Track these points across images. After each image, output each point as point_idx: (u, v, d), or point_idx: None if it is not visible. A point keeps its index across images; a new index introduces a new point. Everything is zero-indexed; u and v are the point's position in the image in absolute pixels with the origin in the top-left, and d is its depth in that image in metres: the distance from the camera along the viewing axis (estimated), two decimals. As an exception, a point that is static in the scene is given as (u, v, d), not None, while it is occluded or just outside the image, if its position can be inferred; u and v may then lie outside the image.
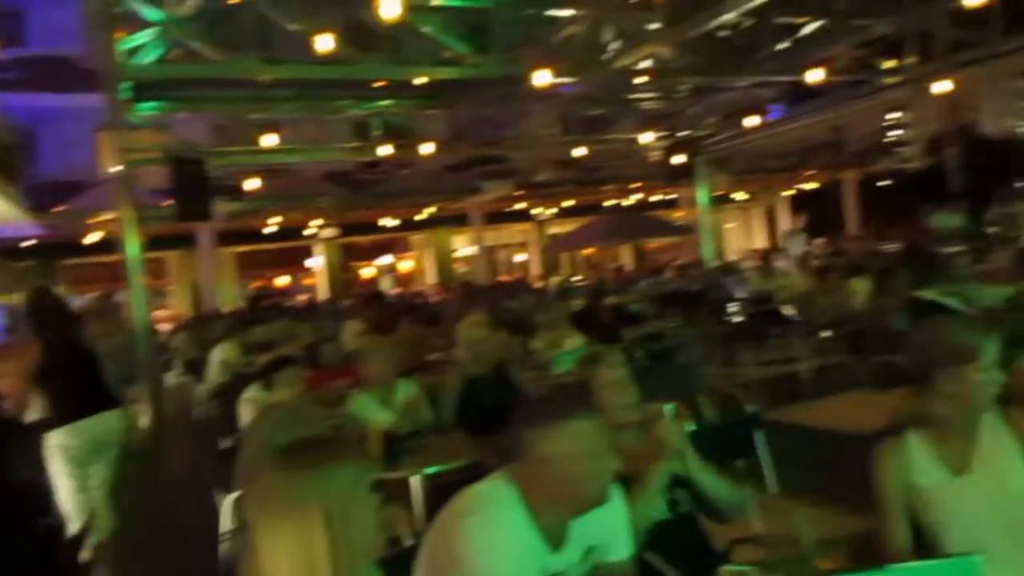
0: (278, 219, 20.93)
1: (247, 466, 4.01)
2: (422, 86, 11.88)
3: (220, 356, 9.05)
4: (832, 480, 4.98)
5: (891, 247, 12.55)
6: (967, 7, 8.32)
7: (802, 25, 10.53)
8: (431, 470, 3.80)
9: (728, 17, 8.17)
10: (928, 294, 5.72)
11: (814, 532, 2.46)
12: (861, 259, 12.07)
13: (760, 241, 27.57)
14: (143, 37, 8.63)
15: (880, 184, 32.63)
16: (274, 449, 1.76)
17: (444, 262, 26.15)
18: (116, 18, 8.24)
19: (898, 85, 10.92)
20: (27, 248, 18.04)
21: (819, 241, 21.28)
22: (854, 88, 11.62)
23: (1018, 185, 17.17)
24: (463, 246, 26.49)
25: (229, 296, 21.34)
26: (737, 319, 9.58)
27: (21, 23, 18.21)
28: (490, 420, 4.50)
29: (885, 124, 26.76)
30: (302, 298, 23.27)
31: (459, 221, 23.44)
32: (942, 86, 10.53)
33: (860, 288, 8.03)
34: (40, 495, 3.27)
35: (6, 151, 13.10)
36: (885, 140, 27.48)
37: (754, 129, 13.19)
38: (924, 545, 2.23)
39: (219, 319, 14.14)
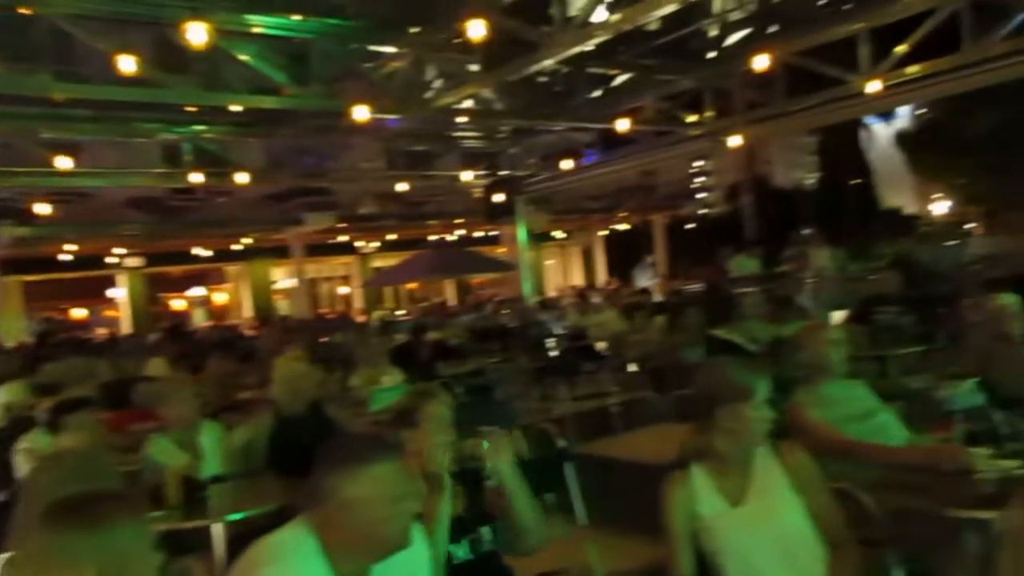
0: (74, 247, 19.34)
1: (24, 523, 3.65)
2: (239, 113, 11.50)
3: (2, 398, 8.20)
4: (637, 511, 5.24)
5: (692, 286, 13.44)
6: (756, 71, 9.17)
7: (614, 76, 11.19)
8: (234, 517, 3.61)
9: (545, 64, 8.53)
10: (722, 332, 6.17)
11: (609, 563, 2.56)
12: (666, 297, 12.88)
13: (577, 278, 28.67)
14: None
15: (687, 227, 35.02)
16: (46, 505, 1.61)
17: (262, 295, 25.19)
18: None
19: (699, 137, 11.82)
20: None
21: (660, 275, 22.25)
22: (662, 137, 12.45)
23: (804, 231, 18.93)
24: (283, 278, 25.65)
25: (13, 330, 19.36)
26: (553, 354, 9.88)
27: None
28: (303, 462, 4.35)
29: (691, 172, 28.87)
30: (102, 332, 21.55)
31: (279, 252, 22.71)
32: (735, 140, 11.53)
33: (664, 325, 8.53)
34: None
35: None
36: (691, 186, 29.59)
37: (571, 171, 13.78)
38: (709, 573, 2.38)
39: (2, 355, 12.81)
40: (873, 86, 9.30)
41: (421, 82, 9.65)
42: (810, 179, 44.38)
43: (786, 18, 9.67)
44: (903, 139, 37.35)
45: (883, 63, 9.32)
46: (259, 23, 8.10)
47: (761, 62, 8.86)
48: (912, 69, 9.31)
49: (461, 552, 2.54)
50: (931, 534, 2.75)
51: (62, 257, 19.61)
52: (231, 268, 25.42)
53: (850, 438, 3.20)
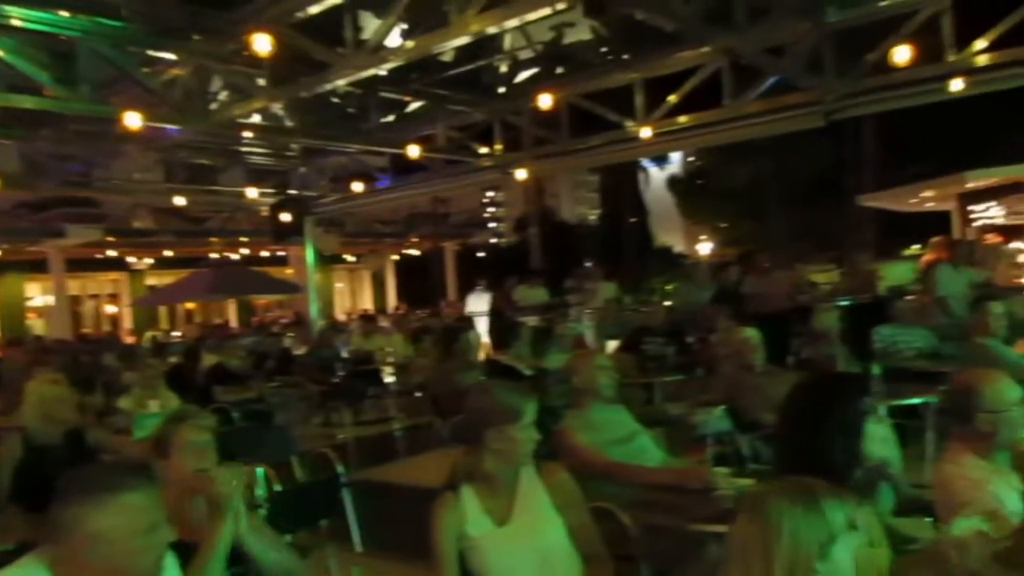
0: None
1: None
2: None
3: None
4: (414, 536, 5.25)
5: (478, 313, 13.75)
6: (542, 108, 9.62)
7: (407, 102, 11.28)
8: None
9: (338, 84, 8.43)
10: (502, 358, 6.35)
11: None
12: (454, 323, 13.04)
13: (367, 302, 28.39)
14: None
15: (478, 255, 35.86)
16: None
17: (13, 312, 22.67)
18: None
19: (489, 168, 12.16)
20: None
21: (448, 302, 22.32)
22: (453, 166, 12.68)
23: (587, 264, 19.97)
24: (39, 295, 23.23)
25: None
26: (338, 379, 9.68)
27: None
28: (51, 494, 3.96)
29: (484, 202, 29.63)
30: None
31: (35, 267, 20.59)
32: (521, 173, 11.99)
33: (445, 351, 8.62)
34: None
35: None
36: (483, 216, 30.37)
37: (362, 194, 13.67)
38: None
39: None
40: (645, 132, 10.04)
41: (204, 92, 9.19)
42: (593, 215, 47.07)
43: (570, 61, 10.24)
44: (674, 183, 40.70)
45: (656, 111, 10.09)
46: (19, 15, 7.37)
47: (545, 100, 9.31)
48: (681, 119, 10.15)
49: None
50: (678, 548, 2.98)
51: None
52: (-24, 283, 22.72)
53: (612, 460, 3.41)
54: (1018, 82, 8.30)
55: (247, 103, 8.94)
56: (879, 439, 3.12)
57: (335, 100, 11.06)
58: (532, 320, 11.14)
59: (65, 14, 7.66)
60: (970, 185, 15.01)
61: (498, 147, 11.75)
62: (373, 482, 5.09)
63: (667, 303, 10.90)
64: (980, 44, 7.88)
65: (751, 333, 5.27)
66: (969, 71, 8.07)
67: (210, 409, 7.37)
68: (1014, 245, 16.09)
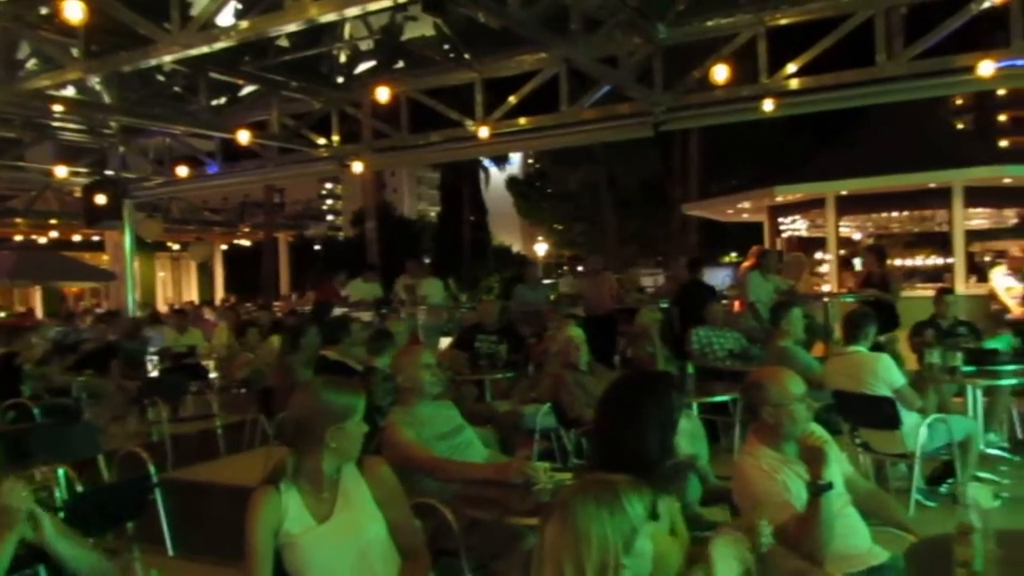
0: None
1: None
2: None
3: None
4: (232, 537, 5.05)
5: (307, 307, 13.42)
6: (382, 102, 9.50)
7: (240, 86, 10.81)
8: None
9: (164, 61, 7.94)
10: (332, 354, 6.23)
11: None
12: (283, 317, 12.65)
13: (193, 293, 26.96)
14: None
15: (315, 248, 34.98)
16: None
17: None
18: None
19: (325, 159, 11.86)
20: None
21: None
22: (287, 154, 12.27)
23: (425, 260, 19.95)
24: None
25: None
26: (155, 373, 9.16)
27: None
28: None
29: (321, 194, 28.89)
30: None
31: None
32: (358, 166, 11.79)
33: (278, 345, 8.37)
34: None
35: None
36: (321, 208, 29.62)
37: (189, 179, 12.97)
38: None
39: None
40: (483, 131, 10.15)
41: (10, 58, 8.41)
42: (433, 212, 47.06)
43: (411, 56, 10.19)
44: (513, 184, 41.44)
45: (495, 112, 10.22)
46: None
47: (383, 93, 9.21)
48: (520, 121, 10.33)
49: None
50: (498, 542, 3.04)
51: None
52: None
53: (436, 455, 3.42)
54: (823, 106, 9.09)
55: (59, 74, 8.24)
56: (689, 434, 3.34)
57: (160, 78, 10.43)
58: (366, 316, 10.99)
59: None
60: (779, 199, 16.24)
61: (335, 138, 11.49)
62: (187, 481, 4.87)
63: (502, 301, 11.06)
64: (791, 68, 8.53)
65: (575, 332, 5.46)
66: (781, 93, 8.72)
67: (7, 405, 6.80)
68: (817, 256, 17.63)
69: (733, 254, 30.57)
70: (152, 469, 4.62)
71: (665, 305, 9.19)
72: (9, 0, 8.00)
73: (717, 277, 18.42)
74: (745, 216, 19.81)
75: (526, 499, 2.92)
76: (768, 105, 8.70)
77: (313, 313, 10.45)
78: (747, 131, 21.97)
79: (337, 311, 10.46)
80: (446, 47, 9.94)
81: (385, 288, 12.76)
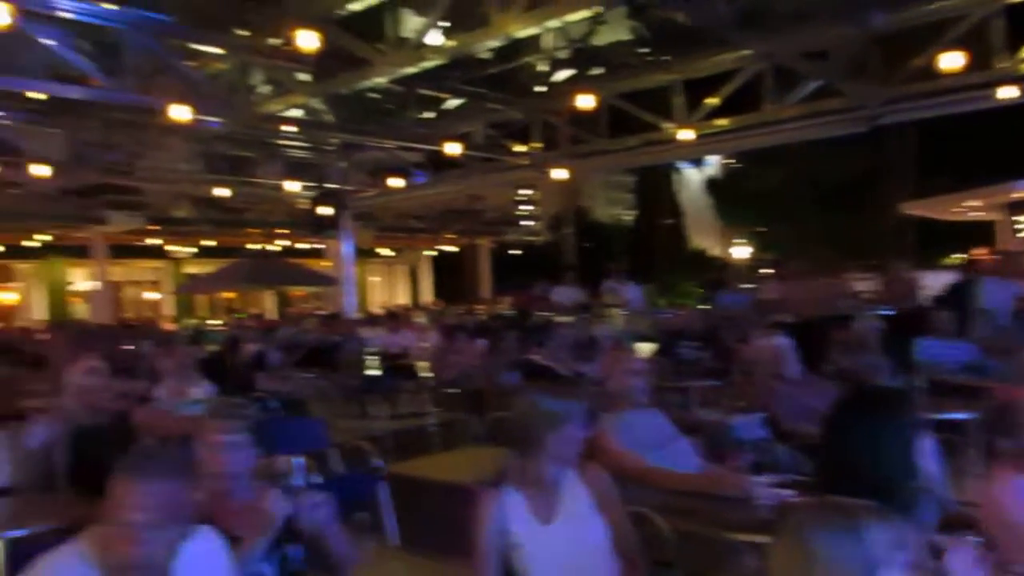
0: None
1: None
2: (38, 100, 10.60)
3: None
4: (448, 531, 5.28)
5: (510, 311, 13.76)
6: (580, 108, 9.61)
7: (445, 100, 11.35)
8: (15, 533, 3.32)
9: (378, 81, 8.51)
10: (538, 358, 6.36)
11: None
12: (487, 321, 13.07)
13: (403, 297, 28.55)
14: None
15: (511, 252, 35.84)
16: None
17: (57, 297, 23.16)
18: None
19: (526, 167, 12.18)
20: None
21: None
22: (489, 163, 12.72)
23: (619, 265, 19.86)
24: (82, 280, 23.70)
25: None
26: (373, 372, 9.75)
27: None
28: (101, 475, 4.04)
29: (517, 199, 29.62)
30: None
31: (79, 252, 21.01)
32: (560, 173, 11.96)
33: (483, 348, 8.67)
34: None
35: None
36: (516, 214, 30.37)
37: (399, 189, 13.76)
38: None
39: None
40: (685, 135, 10.00)
41: (246, 86, 9.33)
42: (627, 216, 46.74)
43: (608, 62, 10.22)
44: (711, 185, 40.31)
45: (694, 113, 10.04)
46: (67, 7, 7.54)
47: (586, 101, 9.29)
48: (720, 122, 10.09)
49: (269, 570, 2.49)
50: (714, 556, 2.98)
51: None
52: (22, 266, 23.20)
53: (648, 464, 3.40)
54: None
55: (287, 98, 9.05)
56: (925, 454, 3.10)
57: (374, 96, 11.16)
58: (565, 320, 11.12)
59: (111, 6, 7.82)
60: (1015, 196, 14.70)
61: (536, 146, 11.75)
62: (410, 476, 5.14)
63: (702, 307, 10.80)
64: (1033, 50, 7.74)
65: (783, 341, 5.23)
66: (1020, 78, 7.91)
67: (250, 398, 7.50)
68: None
69: (955, 256, 27.95)
70: (377, 463, 4.90)
71: (886, 312, 8.58)
72: (246, 33, 8.87)
73: (938, 281, 16.92)
74: (973, 215, 18.08)
75: (744, 514, 2.84)
76: (1006, 92, 7.90)
77: (515, 318, 10.73)
78: (975, 120, 20.01)
79: (540, 315, 10.65)
80: (643, 50, 9.90)
81: (585, 292, 12.83)
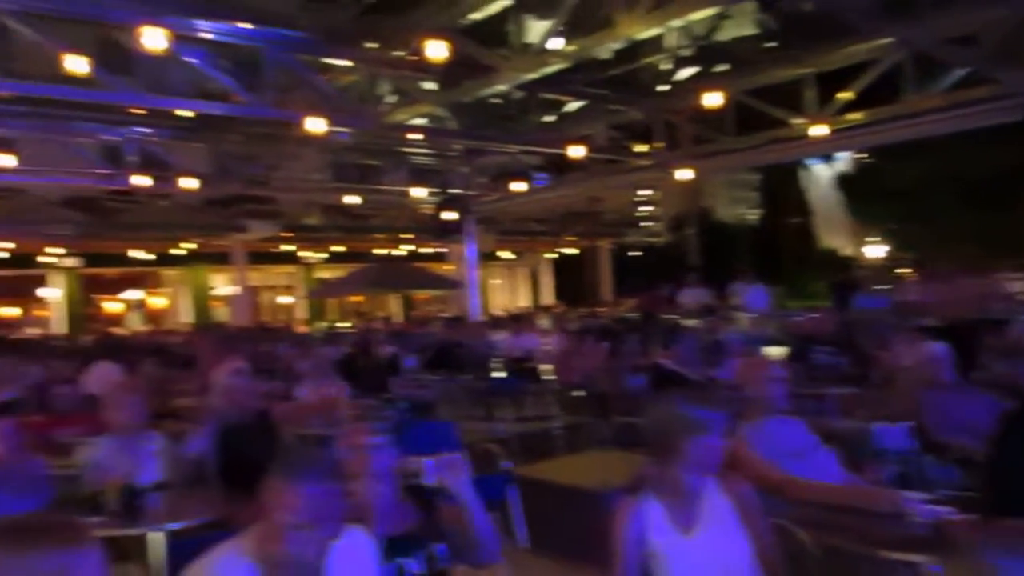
0: (8, 244, 18.70)
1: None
2: (184, 117, 11.32)
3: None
4: (576, 535, 5.28)
5: (633, 314, 13.60)
6: (704, 107, 9.40)
7: (565, 103, 11.34)
8: (173, 526, 3.54)
9: (500, 87, 8.60)
10: (667, 362, 6.25)
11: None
12: (610, 324, 12.98)
13: (524, 299, 28.78)
14: None
15: (632, 254, 35.45)
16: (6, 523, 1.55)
17: (201, 301, 24.67)
18: None
19: (648, 168, 12.03)
20: None
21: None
22: (610, 165, 12.64)
23: (739, 264, 19.34)
24: (223, 285, 25.15)
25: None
26: (498, 375, 9.88)
27: None
28: (247, 471, 4.27)
29: (636, 200, 29.30)
30: (34, 331, 20.81)
31: (220, 259, 22.30)
32: (684, 173, 11.74)
33: (608, 351, 8.61)
34: None
35: None
36: (636, 215, 30.03)
37: (521, 193, 13.87)
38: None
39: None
40: (818, 130, 9.60)
41: (374, 97, 9.63)
42: (752, 215, 45.36)
43: (733, 58, 9.95)
44: (842, 182, 38.53)
45: (827, 108, 9.63)
46: (208, 28, 8.00)
47: (713, 99, 9.07)
48: (854, 116, 9.63)
49: (415, 567, 2.55)
50: (862, 574, 2.83)
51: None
52: (170, 272, 24.84)
53: (787, 474, 3.28)
54: None
55: (414, 107, 9.28)
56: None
57: (495, 101, 11.29)
58: (690, 323, 10.92)
59: (249, 25, 8.25)
60: None
61: (658, 146, 11.59)
62: (535, 479, 5.16)
63: (838, 310, 10.34)
64: None
65: (939, 347, 4.92)
66: None
67: (381, 400, 7.75)
68: None
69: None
70: (506, 465, 4.94)
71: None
72: (374, 46, 9.15)
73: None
74: None
75: (897, 531, 2.68)
76: None
77: (639, 320, 10.61)
78: None
79: (665, 318, 10.49)
80: (770, 44, 9.58)
81: (710, 294, 12.57)
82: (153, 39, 6.44)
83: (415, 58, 8.96)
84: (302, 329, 20.13)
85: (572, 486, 5.00)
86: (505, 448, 6.39)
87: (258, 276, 24.99)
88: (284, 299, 27.84)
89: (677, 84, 10.72)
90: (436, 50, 6.66)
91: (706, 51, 10.06)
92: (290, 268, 26.39)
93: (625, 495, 2.47)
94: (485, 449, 5.31)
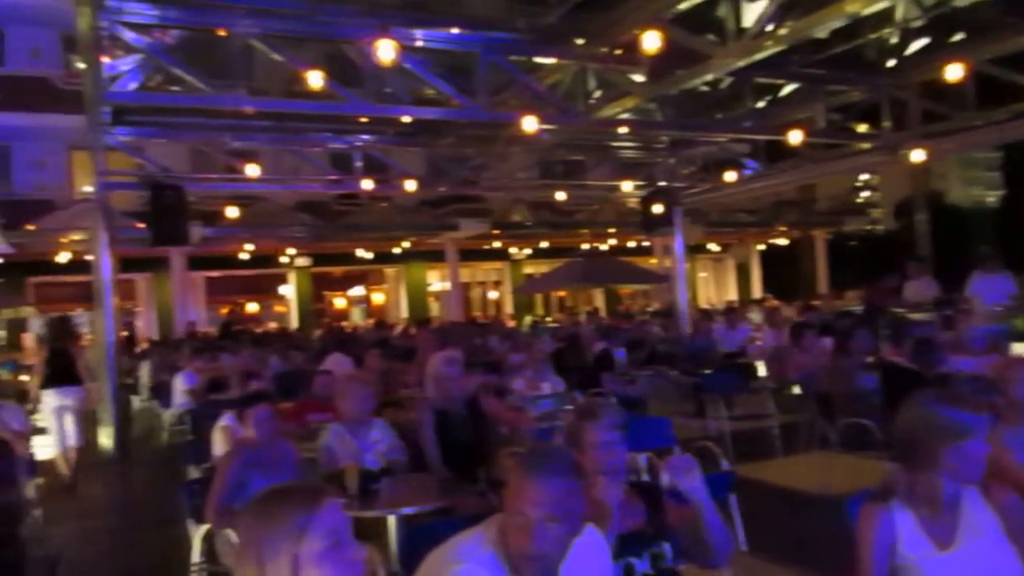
0: (251, 246, 20.79)
1: (213, 499, 3.96)
2: (404, 123, 11.99)
3: (184, 384, 8.95)
4: (795, 539, 5.02)
5: (856, 308, 12.70)
6: (944, 81, 8.58)
7: (780, 86, 10.81)
8: (408, 510, 3.76)
9: (715, 74, 8.35)
10: (898, 360, 5.80)
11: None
12: (832, 318, 12.23)
13: (731, 293, 27.89)
14: (127, 63, 8.59)
15: (850, 244, 33.28)
16: (259, 494, 1.72)
17: (417, 296, 26.10)
18: (101, 42, 8.19)
19: (871, 151, 11.20)
20: (-3, 265, 17.63)
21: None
22: (829, 150, 11.90)
23: (983, 250, 17.52)
24: (437, 281, 26.46)
25: (198, 320, 21.10)
26: (708, 370, 9.63)
27: (1, 43, 18.24)
28: (460, 457, 4.47)
29: (855, 186, 27.44)
30: (272, 325, 23.05)
31: (434, 256, 23.49)
32: (917, 155, 10.77)
33: (830, 347, 8.12)
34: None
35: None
36: (855, 201, 28.12)
37: (731, 183, 13.42)
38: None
39: (187, 343, 13.91)
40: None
41: (584, 93, 9.67)
42: (991, 197, 40.99)
43: (971, 26, 9.01)
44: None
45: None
46: (425, 37, 8.40)
47: (954, 71, 8.22)
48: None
49: (642, 566, 2.54)
50: None
51: (242, 256, 21.13)
52: (389, 270, 26.47)
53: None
54: None
55: (622, 100, 9.22)
56: None
57: (704, 89, 10.97)
58: (922, 317, 10.04)
59: (457, 30, 8.57)
60: None
61: (885, 125, 10.74)
62: (754, 480, 4.96)
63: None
64: None
65: None
66: None
67: (591, 393, 7.80)
68: None
69: None
70: (725, 464, 4.80)
71: None
72: (583, 42, 9.20)
73: None
74: None
75: None
76: None
77: (864, 314, 9.91)
78: None
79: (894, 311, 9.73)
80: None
81: (942, 285, 11.47)
82: (385, 51, 6.87)
83: (619, 52, 8.93)
84: (510, 323, 20.71)
85: (794, 489, 4.76)
86: (720, 447, 6.20)
87: (468, 272, 26.01)
88: (493, 294, 28.79)
89: (906, 59, 9.89)
90: (651, 41, 6.55)
91: (940, 20, 9.19)
92: (498, 264, 27.23)
93: (871, 502, 2.30)
94: (703, 447, 5.18)
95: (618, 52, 8.99)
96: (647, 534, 2.61)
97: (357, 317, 26.64)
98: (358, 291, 27.54)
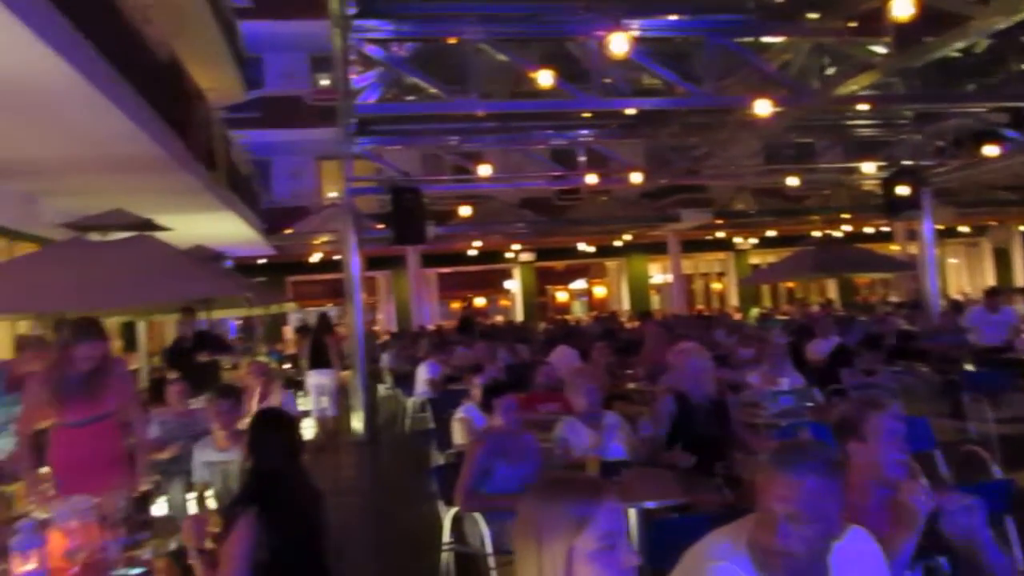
0: (479, 243, 21.73)
1: (463, 486, 4.17)
2: (625, 115, 11.93)
3: (425, 374, 9.51)
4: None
5: None
6: None
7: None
8: (650, 504, 3.75)
9: (975, 38, 7.53)
10: None
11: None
12: None
13: (989, 281, 25.11)
14: (366, 78, 9.26)
15: None
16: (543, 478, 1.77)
17: (638, 289, 25.97)
18: (349, 59, 8.88)
19: None
20: (259, 266, 19.88)
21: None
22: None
23: None
24: (658, 273, 26.18)
25: (431, 314, 22.49)
26: (967, 367, 8.73)
27: (260, 68, 20.54)
28: (702, 451, 4.36)
29: None
30: (499, 319, 23.98)
31: (655, 248, 23.26)
32: None
33: None
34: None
35: (247, 182, 14.54)
36: None
37: (991, 158, 12.04)
38: None
39: (425, 336, 14.79)
40: None
41: (819, 71, 9.11)
42: None
43: None
44: None
45: None
46: (650, 27, 8.28)
47: None
48: None
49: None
50: None
51: (471, 252, 22.19)
52: (610, 263, 26.60)
53: None
54: None
55: (863, 76, 8.55)
56: None
57: (954, 55, 9.91)
58: None
59: (675, 16, 8.36)
60: None
61: None
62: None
63: None
64: None
65: None
66: None
67: (830, 390, 7.35)
68: None
69: None
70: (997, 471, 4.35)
71: None
72: (817, 17, 8.65)
73: None
74: None
75: None
76: None
77: None
78: None
79: None
80: None
81: None
82: (618, 44, 6.89)
83: (854, 24, 8.31)
84: (736, 316, 20.01)
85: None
86: (990, 453, 5.61)
87: (690, 263, 25.50)
88: (716, 285, 28.02)
89: None
90: (901, 7, 6.00)
91: None
92: (721, 255, 26.47)
93: None
94: (969, 452, 4.70)
95: (852, 25, 8.37)
96: (920, 545, 2.39)
97: (579, 310, 26.99)
98: (580, 284, 27.88)
